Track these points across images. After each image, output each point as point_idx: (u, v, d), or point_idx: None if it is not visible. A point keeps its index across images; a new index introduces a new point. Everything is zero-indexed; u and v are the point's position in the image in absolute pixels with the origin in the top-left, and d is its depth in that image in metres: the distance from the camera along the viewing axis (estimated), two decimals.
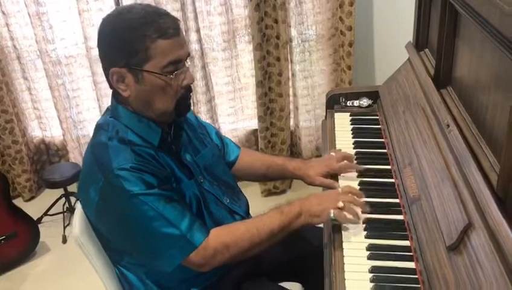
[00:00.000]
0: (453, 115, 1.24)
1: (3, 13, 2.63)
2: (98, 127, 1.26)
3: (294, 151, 2.88)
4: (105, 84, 2.69)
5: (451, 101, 1.32)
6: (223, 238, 1.20)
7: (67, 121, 2.80)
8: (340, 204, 1.23)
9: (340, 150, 1.57)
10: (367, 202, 1.28)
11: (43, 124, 2.98)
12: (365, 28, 2.53)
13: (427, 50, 1.65)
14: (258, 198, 2.77)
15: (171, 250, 1.16)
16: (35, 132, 3.03)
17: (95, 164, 1.19)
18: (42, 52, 2.63)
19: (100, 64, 2.82)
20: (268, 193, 2.77)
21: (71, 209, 2.74)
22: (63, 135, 2.85)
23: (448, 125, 1.20)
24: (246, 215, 1.44)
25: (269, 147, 2.70)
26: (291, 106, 2.72)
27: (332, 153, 1.53)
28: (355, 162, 1.51)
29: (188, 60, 1.23)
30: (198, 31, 2.54)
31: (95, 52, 2.63)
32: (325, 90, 2.59)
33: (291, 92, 2.68)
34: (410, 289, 1.04)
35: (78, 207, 1.27)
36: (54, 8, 2.58)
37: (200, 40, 2.56)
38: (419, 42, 1.70)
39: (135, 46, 1.15)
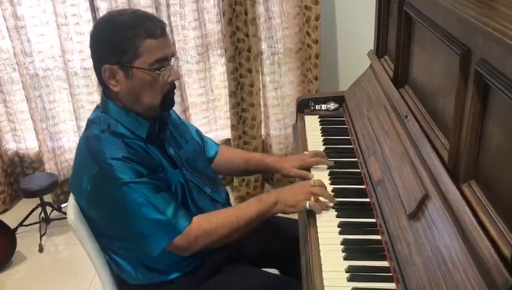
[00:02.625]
0: (410, 108, 1.40)
1: None
2: (90, 122, 1.37)
3: None
4: (82, 96, 2.82)
5: (408, 97, 1.50)
6: (204, 225, 1.31)
7: (44, 132, 2.85)
8: (313, 197, 1.35)
9: None
10: (337, 190, 1.43)
11: (18, 136, 3.02)
12: (330, 40, 2.72)
13: (386, 57, 1.84)
14: (232, 204, 2.87)
15: (157, 234, 1.26)
16: (9, 145, 3.07)
17: (89, 154, 1.29)
18: (20, 64, 2.70)
19: (76, 77, 2.90)
20: (242, 200, 2.88)
21: (47, 220, 2.78)
22: (39, 146, 2.90)
23: (406, 116, 1.36)
24: (227, 203, 1.56)
25: None
26: (262, 116, 2.87)
27: (306, 152, 1.68)
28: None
29: (173, 59, 1.36)
30: (173, 44, 2.67)
31: (72, 65, 2.73)
32: (293, 100, 2.75)
33: (262, 102, 2.83)
34: (377, 255, 1.18)
35: (71, 196, 1.36)
36: (32, 22, 2.66)
37: None
38: (380, 50, 1.88)
39: (126, 44, 1.27)
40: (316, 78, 2.67)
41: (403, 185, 1.22)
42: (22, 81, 2.76)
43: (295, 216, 1.53)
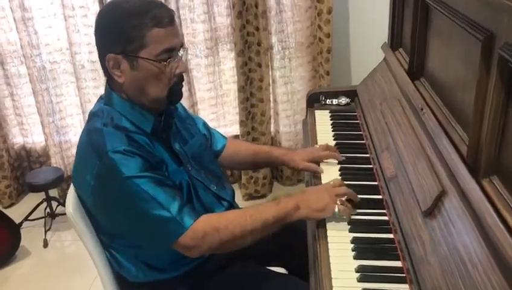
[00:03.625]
0: (426, 101, 1.33)
1: None
2: (93, 115, 1.31)
3: None
4: (89, 90, 2.78)
5: (424, 90, 1.42)
6: (213, 221, 1.22)
7: (50, 126, 2.82)
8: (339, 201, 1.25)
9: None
10: (348, 186, 1.34)
11: (25, 130, 2.99)
12: (342, 34, 2.65)
13: (401, 49, 1.77)
14: (239, 202, 2.80)
15: (162, 231, 1.19)
16: (16, 139, 3.04)
17: (91, 148, 1.23)
18: (27, 57, 2.66)
19: (84, 71, 2.85)
20: (250, 197, 2.83)
21: (52, 214, 2.75)
22: (45, 140, 2.86)
23: (422, 109, 1.29)
24: (233, 202, 1.50)
25: None
26: (272, 112, 2.80)
27: (317, 146, 1.61)
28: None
29: (182, 50, 1.30)
30: (182, 37, 2.61)
31: (80, 57, 2.69)
32: (304, 96, 2.68)
33: (271, 98, 2.76)
34: (389, 255, 1.11)
35: (72, 188, 1.31)
36: (39, 14, 2.62)
37: None
38: (394, 43, 1.81)
39: (132, 33, 1.21)
40: (328, 73, 2.60)
41: (417, 181, 1.15)
42: (28, 74, 2.72)
43: None
